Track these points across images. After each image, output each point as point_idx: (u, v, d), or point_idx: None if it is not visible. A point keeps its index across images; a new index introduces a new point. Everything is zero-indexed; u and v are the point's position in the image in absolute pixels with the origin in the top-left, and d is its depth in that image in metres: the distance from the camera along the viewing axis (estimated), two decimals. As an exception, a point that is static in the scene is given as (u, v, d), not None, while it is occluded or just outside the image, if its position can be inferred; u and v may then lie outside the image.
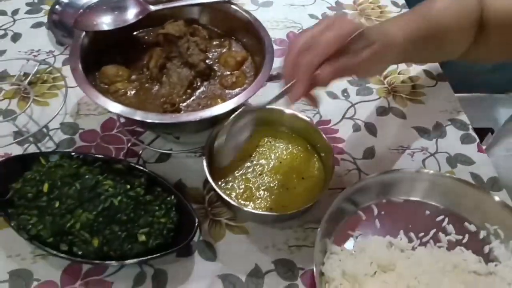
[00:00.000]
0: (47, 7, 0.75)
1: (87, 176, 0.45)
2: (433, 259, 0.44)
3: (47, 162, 0.47)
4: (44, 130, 0.55)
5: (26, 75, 0.62)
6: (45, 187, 0.44)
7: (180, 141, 0.57)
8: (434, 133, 0.60)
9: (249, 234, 0.48)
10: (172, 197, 0.46)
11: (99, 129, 0.57)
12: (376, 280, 0.42)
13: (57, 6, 0.73)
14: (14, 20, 0.73)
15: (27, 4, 0.76)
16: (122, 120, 0.57)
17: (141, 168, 0.49)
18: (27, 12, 0.74)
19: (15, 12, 0.74)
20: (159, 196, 0.46)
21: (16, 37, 0.70)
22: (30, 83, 0.61)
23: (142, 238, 0.42)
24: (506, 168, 0.63)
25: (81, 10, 0.53)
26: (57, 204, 0.43)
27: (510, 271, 0.45)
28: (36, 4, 0.76)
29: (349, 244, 0.47)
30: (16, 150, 0.54)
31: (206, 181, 0.52)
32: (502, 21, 0.55)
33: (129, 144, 0.55)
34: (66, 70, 0.63)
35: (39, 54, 0.67)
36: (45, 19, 0.73)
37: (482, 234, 0.48)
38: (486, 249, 0.47)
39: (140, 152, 0.55)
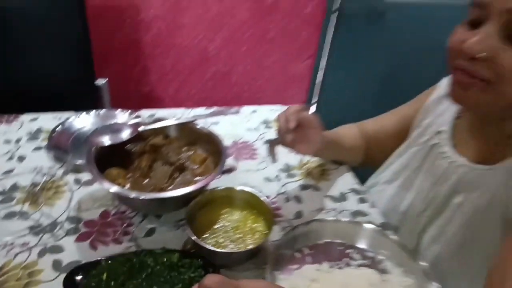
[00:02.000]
0: (43, 135, 0.97)
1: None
2: (348, 274, 0.67)
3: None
4: (57, 222, 0.73)
5: (34, 184, 0.81)
6: (105, 275, 0.59)
7: (161, 220, 0.77)
8: (340, 198, 0.87)
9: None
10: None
11: (98, 219, 0.76)
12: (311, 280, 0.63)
13: (54, 134, 0.95)
14: (19, 146, 0.93)
15: (27, 134, 0.97)
16: (117, 210, 0.77)
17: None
18: (29, 139, 0.95)
19: (18, 140, 0.95)
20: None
21: (21, 158, 0.89)
22: (39, 190, 0.79)
23: None
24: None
25: (92, 131, 0.77)
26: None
27: (396, 278, 0.68)
28: (35, 132, 0.98)
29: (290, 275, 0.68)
30: (33, 240, 0.70)
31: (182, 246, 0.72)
32: (373, 136, 0.92)
33: (123, 225, 0.74)
34: (68, 180, 0.83)
35: (42, 169, 0.87)
36: (43, 143, 0.94)
37: (378, 257, 0.72)
38: (381, 266, 0.70)
39: (133, 230, 0.73)
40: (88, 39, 1.11)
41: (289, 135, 0.74)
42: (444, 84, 0.85)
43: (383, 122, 0.97)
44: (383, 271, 0.69)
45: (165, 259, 0.62)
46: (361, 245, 0.74)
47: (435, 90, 0.87)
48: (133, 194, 0.66)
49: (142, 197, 0.66)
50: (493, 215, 0.66)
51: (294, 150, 0.79)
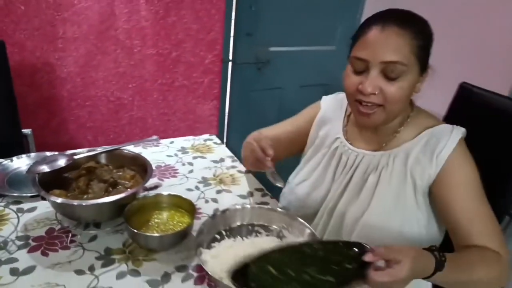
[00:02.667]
0: (-24, 180, 1.06)
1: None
2: (255, 241, 0.89)
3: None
4: (7, 240, 0.84)
5: (-22, 218, 0.91)
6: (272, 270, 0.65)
7: (101, 228, 0.92)
8: (247, 195, 1.10)
9: (159, 256, 0.84)
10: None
11: (45, 234, 0.88)
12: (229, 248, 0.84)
13: (-10, 175, 1.05)
14: (-48, 191, 1.01)
15: (-42, 181, 1.05)
16: (60, 226, 0.90)
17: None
18: (-39, 185, 1.03)
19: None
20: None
21: (-43, 201, 0.97)
22: (-17, 221, 0.89)
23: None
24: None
25: (33, 163, 0.91)
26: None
27: (292, 239, 0.92)
28: (-33, 179, 1.06)
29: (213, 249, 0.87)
30: (-14, 258, 0.80)
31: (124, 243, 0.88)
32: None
33: (69, 236, 0.88)
34: (11, 209, 0.94)
35: (-19, 206, 0.96)
36: (-21, 186, 1.03)
37: (278, 229, 0.96)
38: (281, 234, 0.94)
39: (78, 238, 0.87)
40: (13, 96, 1.24)
41: (268, 162, 0.93)
42: (325, 103, 1.11)
43: (281, 128, 1.16)
44: (282, 237, 0.93)
45: (319, 246, 0.68)
46: (265, 222, 0.98)
47: (320, 109, 1.11)
48: (75, 203, 0.81)
49: (84, 203, 0.82)
50: (407, 185, 0.89)
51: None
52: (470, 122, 1.14)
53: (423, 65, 0.87)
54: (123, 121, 1.78)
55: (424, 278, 0.73)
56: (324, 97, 1.14)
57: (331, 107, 1.10)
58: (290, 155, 1.16)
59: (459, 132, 0.89)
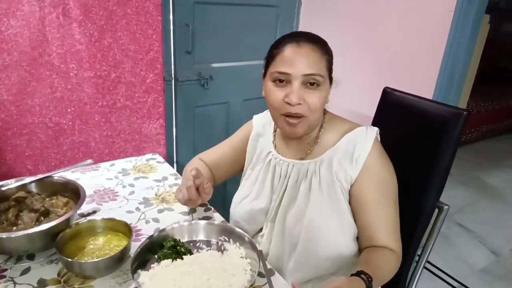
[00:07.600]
0: None
1: None
2: (197, 256, 0.90)
3: None
4: None
5: None
6: None
7: (35, 259, 0.89)
8: (190, 211, 1.11)
9: (96, 282, 0.83)
10: None
11: (-29, 273, 0.84)
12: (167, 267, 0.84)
13: None
14: None
15: None
16: (-11, 260, 0.86)
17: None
18: None
19: None
20: None
21: None
22: None
23: None
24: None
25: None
26: None
27: (234, 251, 0.93)
28: None
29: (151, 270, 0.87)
30: None
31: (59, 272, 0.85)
32: (214, 164, 1.17)
33: (-2, 271, 0.84)
34: None
35: None
36: None
37: (218, 242, 0.97)
38: (223, 247, 0.95)
39: (8, 273, 0.84)
40: None
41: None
42: (256, 121, 1.16)
43: (219, 152, 1.21)
44: (223, 250, 0.94)
45: None
46: (204, 237, 0.99)
47: (253, 127, 1.15)
48: (4, 235, 0.79)
49: (14, 235, 0.79)
50: (336, 188, 0.94)
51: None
52: (393, 121, 1.24)
53: (331, 78, 0.97)
54: (64, 147, 1.73)
55: None
56: (255, 116, 1.20)
57: (261, 124, 1.16)
58: (231, 176, 1.21)
59: (372, 133, 0.96)
